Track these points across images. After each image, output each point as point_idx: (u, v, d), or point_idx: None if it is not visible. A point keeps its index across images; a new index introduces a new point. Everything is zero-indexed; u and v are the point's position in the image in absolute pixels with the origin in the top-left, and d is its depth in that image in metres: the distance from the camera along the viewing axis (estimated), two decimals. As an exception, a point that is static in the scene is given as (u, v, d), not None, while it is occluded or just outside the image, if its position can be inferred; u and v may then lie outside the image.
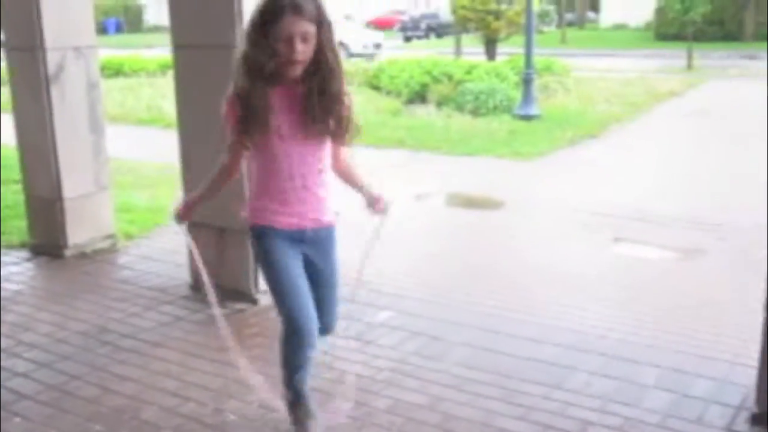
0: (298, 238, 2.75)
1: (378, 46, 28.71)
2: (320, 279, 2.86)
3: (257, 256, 2.84)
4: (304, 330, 2.73)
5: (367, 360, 3.86)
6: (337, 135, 2.70)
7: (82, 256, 5.60)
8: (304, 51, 2.49)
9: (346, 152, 2.87)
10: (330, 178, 2.80)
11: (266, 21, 2.48)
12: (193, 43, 4.59)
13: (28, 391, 3.60)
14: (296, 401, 2.97)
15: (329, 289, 2.92)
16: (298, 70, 2.54)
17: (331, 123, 2.64)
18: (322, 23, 2.51)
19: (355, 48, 26.79)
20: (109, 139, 5.82)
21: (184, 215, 3.06)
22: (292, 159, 2.65)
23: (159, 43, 27.59)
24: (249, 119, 2.59)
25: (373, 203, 2.95)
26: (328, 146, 2.72)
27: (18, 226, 6.10)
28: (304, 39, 2.47)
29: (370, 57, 24.73)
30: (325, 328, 2.95)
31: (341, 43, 22.95)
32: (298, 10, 2.46)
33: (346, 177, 2.93)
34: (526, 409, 3.35)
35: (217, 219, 4.68)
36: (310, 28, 2.47)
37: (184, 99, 4.72)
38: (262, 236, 2.76)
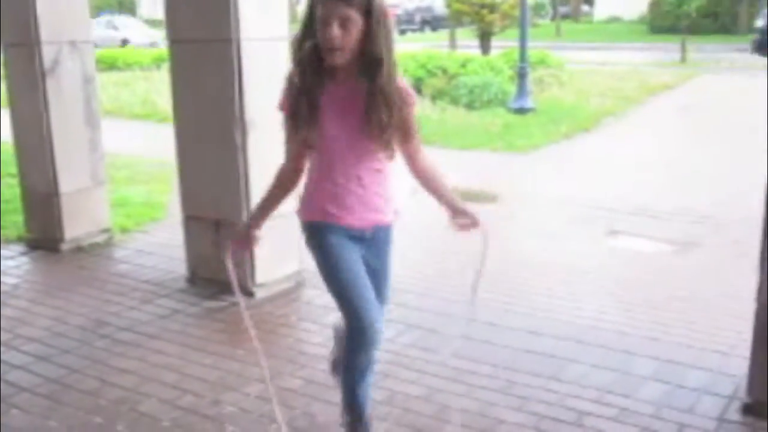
0: (356, 237, 2.60)
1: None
2: (372, 277, 2.66)
3: (313, 253, 2.63)
4: (373, 327, 2.55)
5: (364, 352, 3.88)
6: (396, 134, 2.51)
7: (79, 250, 5.62)
8: (341, 37, 2.33)
9: (422, 152, 2.67)
10: (391, 176, 2.64)
11: (312, 5, 2.39)
12: (189, 38, 4.59)
13: (27, 384, 3.61)
14: (357, 420, 2.78)
15: (380, 286, 2.71)
16: (337, 58, 2.38)
17: (386, 121, 2.44)
18: (371, 13, 2.35)
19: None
20: (104, 133, 5.84)
21: (244, 244, 2.75)
22: (347, 159, 2.51)
23: (153, 37, 27.82)
24: (300, 113, 2.47)
25: (458, 218, 2.68)
26: (389, 145, 2.52)
27: (15, 220, 6.11)
28: (343, 24, 2.33)
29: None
30: None
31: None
32: None
33: (426, 181, 2.70)
34: (522, 400, 3.39)
35: (213, 212, 4.71)
36: (352, 14, 2.33)
37: (179, 94, 4.73)
38: (318, 233, 2.59)
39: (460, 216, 2.69)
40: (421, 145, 2.68)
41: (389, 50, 2.42)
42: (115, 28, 32.61)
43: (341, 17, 2.32)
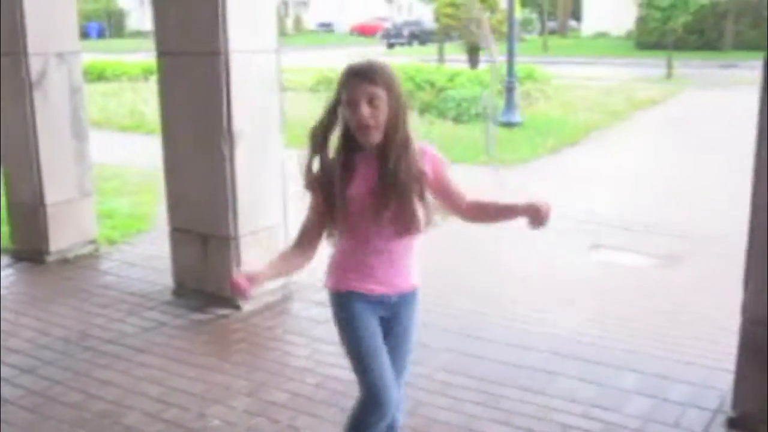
0: (381, 302, 2.57)
1: None
2: (396, 343, 2.63)
3: (338, 322, 2.60)
4: (386, 401, 2.52)
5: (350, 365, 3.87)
6: (429, 206, 2.49)
7: (65, 261, 5.59)
8: (372, 115, 2.35)
9: (459, 190, 2.64)
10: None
11: (339, 89, 2.40)
12: (177, 50, 4.59)
13: (11, 397, 3.58)
14: None
15: (403, 353, 2.67)
16: (372, 136, 2.38)
17: (415, 206, 2.43)
18: (392, 91, 2.38)
19: None
20: (91, 144, 5.82)
21: (240, 290, 2.46)
22: (378, 237, 2.48)
23: (141, 48, 27.51)
24: (326, 203, 2.43)
25: (536, 215, 2.55)
26: (419, 228, 2.49)
27: (-1, 231, 6.07)
28: (371, 102, 2.34)
29: None
30: None
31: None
32: (364, 76, 2.36)
33: (479, 217, 2.72)
34: (507, 413, 3.39)
35: (201, 226, 4.70)
36: (379, 92, 2.35)
37: (167, 105, 4.73)
38: (344, 302, 2.56)
39: (531, 213, 2.58)
40: (463, 192, 2.66)
41: (407, 127, 2.43)
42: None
43: (369, 95, 2.34)
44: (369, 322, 2.55)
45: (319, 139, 2.45)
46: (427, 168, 2.48)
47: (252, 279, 2.41)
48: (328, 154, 2.44)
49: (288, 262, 2.61)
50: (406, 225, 2.46)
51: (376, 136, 2.39)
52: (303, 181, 2.49)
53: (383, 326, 2.59)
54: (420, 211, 2.46)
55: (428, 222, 2.50)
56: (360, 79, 2.36)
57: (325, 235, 2.53)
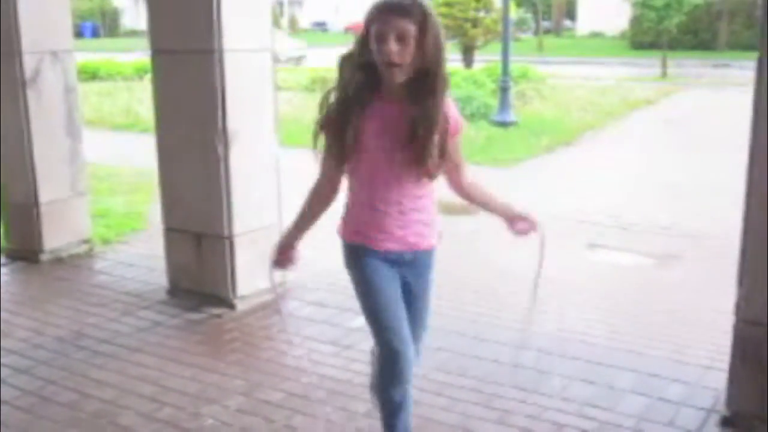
0: (396, 260, 2.51)
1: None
2: (413, 301, 2.61)
3: (350, 274, 2.57)
4: (402, 355, 2.48)
5: (345, 364, 3.87)
6: (441, 162, 2.42)
7: (59, 261, 5.57)
8: (400, 52, 2.24)
9: (466, 170, 2.61)
10: (433, 199, 2.55)
11: (366, 24, 2.30)
12: (172, 48, 4.58)
13: (5, 397, 3.57)
14: None
15: (420, 311, 2.66)
16: (396, 74, 2.28)
17: (429, 151, 2.35)
18: (426, 27, 2.27)
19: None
20: (85, 143, 5.80)
21: (283, 262, 2.64)
22: (387, 184, 2.42)
23: (137, 48, 27.42)
24: (341, 139, 2.36)
25: (514, 224, 2.66)
26: (432, 175, 2.44)
27: (-7, 230, 6.05)
28: (401, 38, 2.24)
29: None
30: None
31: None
32: (395, 8, 2.25)
33: (473, 198, 2.67)
34: (503, 413, 3.39)
35: (195, 225, 4.69)
36: (409, 27, 2.23)
37: (162, 104, 4.72)
38: (356, 255, 2.52)
39: (518, 221, 2.67)
40: (466, 167, 2.61)
41: (441, 69, 2.34)
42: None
43: (399, 31, 2.24)
44: (382, 275, 2.49)
45: (345, 72, 2.36)
46: (449, 122, 2.41)
47: (287, 248, 2.46)
48: (350, 90, 2.34)
49: (310, 215, 2.56)
50: (420, 166, 2.37)
51: (400, 75, 2.29)
52: (318, 117, 2.42)
53: (402, 285, 2.55)
54: (435, 157, 2.37)
55: (439, 171, 2.44)
56: (390, 12, 2.26)
57: (341, 177, 2.48)
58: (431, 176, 2.43)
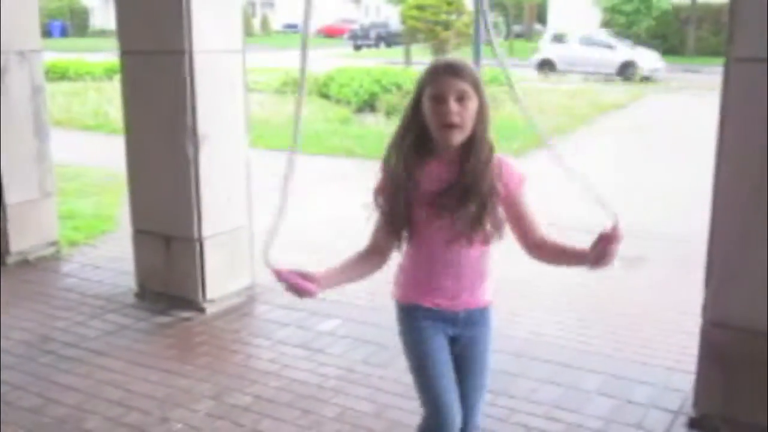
0: (449, 319, 2.42)
1: None
2: (467, 370, 2.48)
3: (402, 337, 2.49)
4: (449, 422, 2.39)
5: (315, 368, 3.86)
6: (498, 224, 2.35)
7: (25, 263, 5.50)
8: (459, 113, 2.19)
9: (537, 226, 2.49)
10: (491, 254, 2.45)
11: (422, 86, 2.25)
12: (141, 49, 4.54)
13: (-32, 402, 3.52)
14: None
15: (476, 384, 2.51)
16: (456, 136, 2.21)
17: (487, 213, 2.29)
18: (479, 90, 2.24)
19: None
20: (54, 144, 5.73)
21: (298, 287, 2.21)
22: (443, 248, 2.33)
23: (105, 48, 27.20)
24: (396, 207, 2.28)
25: (598, 252, 2.51)
26: (488, 239, 2.35)
27: (-43, 232, 5.95)
28: (460, 99, 2.19)
29: None
30: (464, 429, 2.49)
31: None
32: (451, 70, 2.21)
33: (545, 257, 2.55)
34: (472, 415, 3.39)
35: (164, 227, 4.65)
36: (467, 88, 2.20)
37: (131, 105, 4.68)
38: (407, 316, 2.46)
39: (599, 246, 2.50)
40: (537, 223, 2.49)
41: (488, 134, 2.28)
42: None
43: (458, 92, 2.19)
44: (433, 336, 2.41)
45: (393, 154, 2.29)
46: (502, 182, 2.33)
47: (313, 280, 2.22)
48: (409, 162, 2.26)
49: (356, 269, 2.44)
50: (474, 234, 2.30)
51: (459, 137, 2.22)
52: (372, 198, 2.33)
53: (451, 346, 2.45)
54: (490, 222, 2.31)
55: (498, 235, 2.35)
56: (449, 74, 2.20)
57: (395, 245, 2.38)
58: (487, 242, 2.37)
